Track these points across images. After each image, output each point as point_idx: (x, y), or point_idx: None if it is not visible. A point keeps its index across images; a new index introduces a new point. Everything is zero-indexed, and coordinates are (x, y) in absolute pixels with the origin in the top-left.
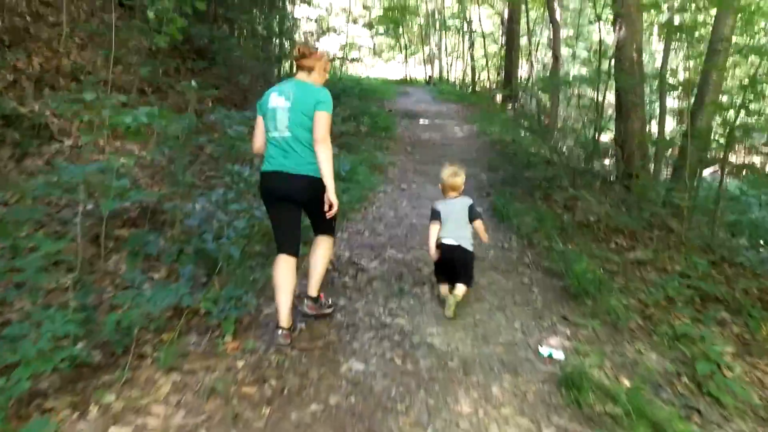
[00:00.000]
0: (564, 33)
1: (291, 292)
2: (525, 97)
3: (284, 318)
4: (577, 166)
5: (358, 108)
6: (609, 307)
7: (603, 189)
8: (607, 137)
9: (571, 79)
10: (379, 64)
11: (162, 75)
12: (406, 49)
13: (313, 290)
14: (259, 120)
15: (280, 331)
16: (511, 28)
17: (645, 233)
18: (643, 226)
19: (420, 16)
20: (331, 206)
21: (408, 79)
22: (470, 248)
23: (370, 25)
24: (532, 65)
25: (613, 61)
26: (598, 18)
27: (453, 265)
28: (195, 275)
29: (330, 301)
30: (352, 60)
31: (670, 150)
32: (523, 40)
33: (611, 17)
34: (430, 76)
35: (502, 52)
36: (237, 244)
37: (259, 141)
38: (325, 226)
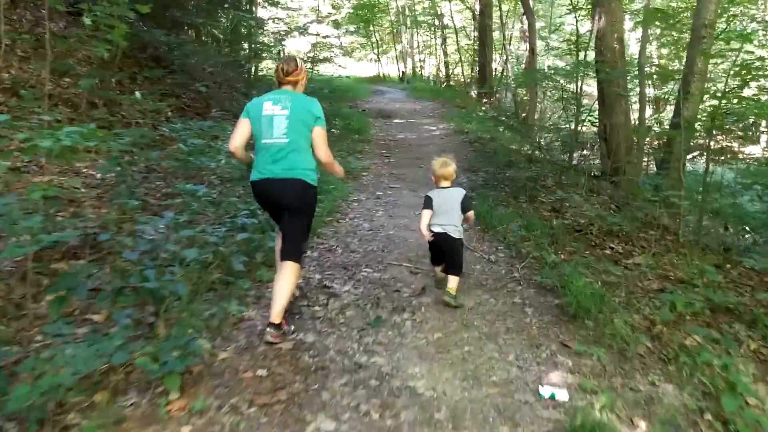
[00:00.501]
0: (537, 25)
1: (289, 294)
2: (501, 92)
3: (276, 312)
4: (560, 162)
5: (329, 110)
6: (614, 330)
7: (589, 186)
8: (586, 129)
9: (550, 72)
10: (351, 63)
11: (116, 85)
12: (378, 47)
13: (276, 317)
14: (244, 123)
15: (269, 328)
16: (483, 22)
17: (640, 235)
18: (638, 227)
19: (390, 13)
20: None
21: (381, 76)
22: (456, 235)
23: (337, 24)
24: (507, 59)
25: (591, 52)
26: (575, 8)
27: (442, 250)
28: (136, 319)
29: (293, 328)
30: (322, 60)
31: (650, 140)
32: (496, 34)
33: (589, 7)
34: (403, 73)
35: (475, 46)
36: (186, 278)
37: (236, 141)
38: (293, 247)
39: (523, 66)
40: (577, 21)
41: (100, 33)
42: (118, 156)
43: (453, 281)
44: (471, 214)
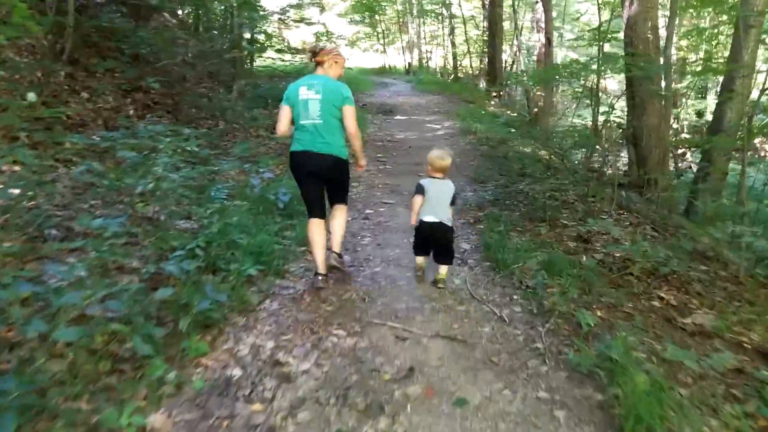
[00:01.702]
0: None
1: (324, 245)
2: (511, 85)
3: (321, 265)
4: (581, 170)
5: None
6: None
7: (616, 199)
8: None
9: (574, 68)
10: (356, 54)
11: (65, 78)
12: (384, 38)
13: (336, 247)
14: (286, 109)
15: (318, 277)
16: (493, 11)
17: (691, 273)
18: (688, 265)
19: (396, 2)
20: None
21: (387, 68)
22: (450, 224)
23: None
24: (519, 49)
25: (614, 43)
26: None
27: (435, 240)
28: None
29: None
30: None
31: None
32: (506, 24)
33: None
34: (409, 64)
35: (484, 36)
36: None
37: (283, 126)
38: (341, 197)
39: (534, 58)
40: (599, 8)
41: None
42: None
43: (445, 268)
44: (452, 209)
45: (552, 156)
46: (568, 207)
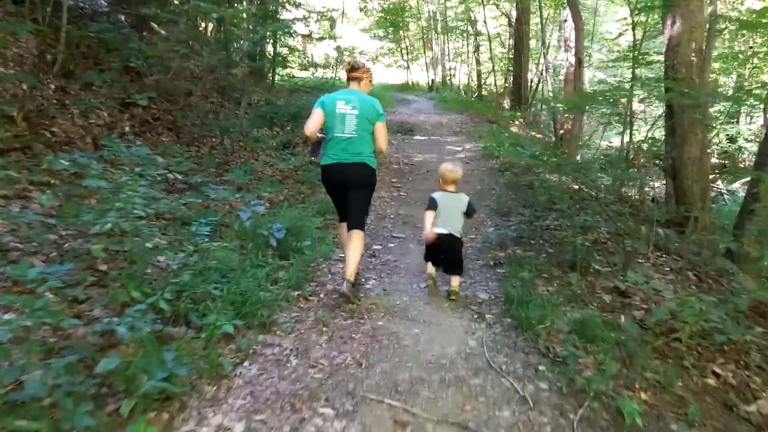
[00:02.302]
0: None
1: (359, 257)
2: (536, 105)
3: (351, 272)
4: (612, 203)
5: None
6: None
7: (654, 240)
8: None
9: (610, 94)
10: (379, 69)
11: (55, 92)
12: (408, 54)
13: (351, 275)
14: (319, 113)
15: (345, 283)
16: (519, 29)
17: (748, 338)
18: (744, 330)
19: (421, 18)
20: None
21: (410, 84)
22: (459, 235)
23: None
24: (546, 69)
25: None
26: (634, 9)
27: (444, 252)
28: None
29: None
30: (342, 64)
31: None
32: (533, 42)
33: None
34: (432, 81)
35: (510, 55)
36: None
37: (312, 127)
38: (360, 218)
39: (561, 78)
40: (633, 27)
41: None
42: None
43: (456, 280)
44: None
45: (581, 187)
46: (601, 248)
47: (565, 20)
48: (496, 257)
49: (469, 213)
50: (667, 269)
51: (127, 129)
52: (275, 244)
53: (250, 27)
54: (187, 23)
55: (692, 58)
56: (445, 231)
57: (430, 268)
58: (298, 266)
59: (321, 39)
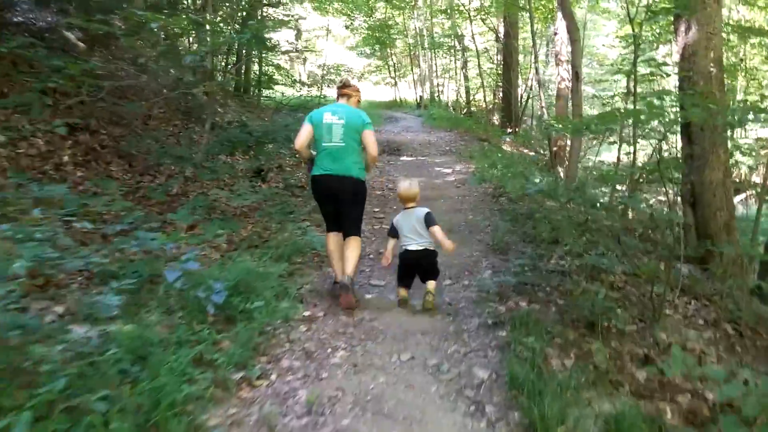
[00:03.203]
0: (566, 49)
1: (341, 256)
2: (527, 122)
3: (340, 273)
4: (624, 236)
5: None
6: None
7: (678, 281)
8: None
9: (618, 117)
10: (367, 87)
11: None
12: (396, 71)
13: (350, 270)
14: (308, 127)
15: (338, 285)
16: (508, 42)
17: None
18: None
19: (408, 35)
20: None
21: (398, 101)
22: (433, 248)
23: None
24: (540, 84)
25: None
26: (653, 13)
27: (421, 266)
28: None
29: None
30: (329, 81)
31: None
32: (521, 57)
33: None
34: (420, 98)
35: (498, 70)
36: None
37: (301, 141)
38: (355, 225)
39: (551, 93)
40: (636, 38)
41: None
42: None
43: (432, 284)
44: (436, 229)
45: (588, 216)
46: (620, 293)
47: (556, 33)
48: (496, 313)
49: (427, 224)
50: (701, 322)
51: (66, 159)
52: (212, 311)
53: (197, 39)
54: (133, 37)
55: (711, 69)
56: (419, 247)
57: (402, 292)
58: (244, 337)
59: (299, 52)
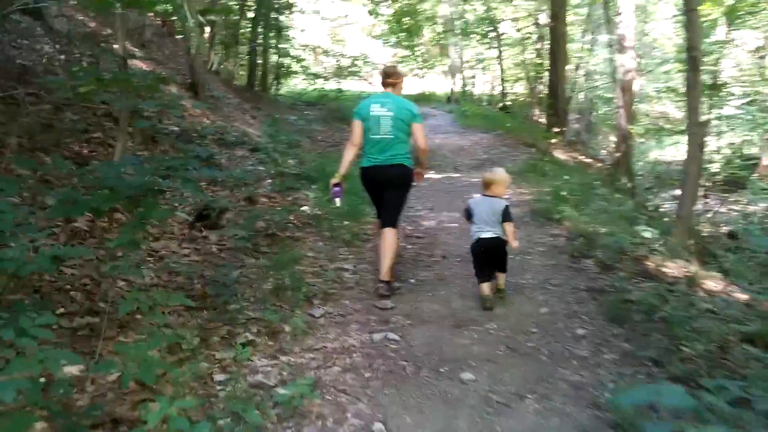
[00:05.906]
0: (632, 31)
1: (393, 254)
2: (582, 121)
3: (385, 272)
4: None
5: (317, 165)
6: None
7: None
8: None
9: None
10: None
11: None
12: (424, 62)
13: (385, 275)
14: (358, 123)
15: (381, 285)
16: (555, 29)
17: None
18: None
19: (437, 22)
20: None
21: (427, 94)
22: (505, 238)
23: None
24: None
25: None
26: None
27: (497, 255)
28: None
29: (398, 285)
30: (352, 75)
31: None
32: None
33: None
34: (451, 91)
35: (539, 59)
36: None
37: (357, 138)
38: (393, 215)
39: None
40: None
41: None
42: None
43: (502, 277)
44: (509, 226)
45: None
46: None
47: (619, 13)
48: None
49: (505, 218)
50: None
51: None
52: None
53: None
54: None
55: None
56: (491, 235)
57: (485, 288)
58: None
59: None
